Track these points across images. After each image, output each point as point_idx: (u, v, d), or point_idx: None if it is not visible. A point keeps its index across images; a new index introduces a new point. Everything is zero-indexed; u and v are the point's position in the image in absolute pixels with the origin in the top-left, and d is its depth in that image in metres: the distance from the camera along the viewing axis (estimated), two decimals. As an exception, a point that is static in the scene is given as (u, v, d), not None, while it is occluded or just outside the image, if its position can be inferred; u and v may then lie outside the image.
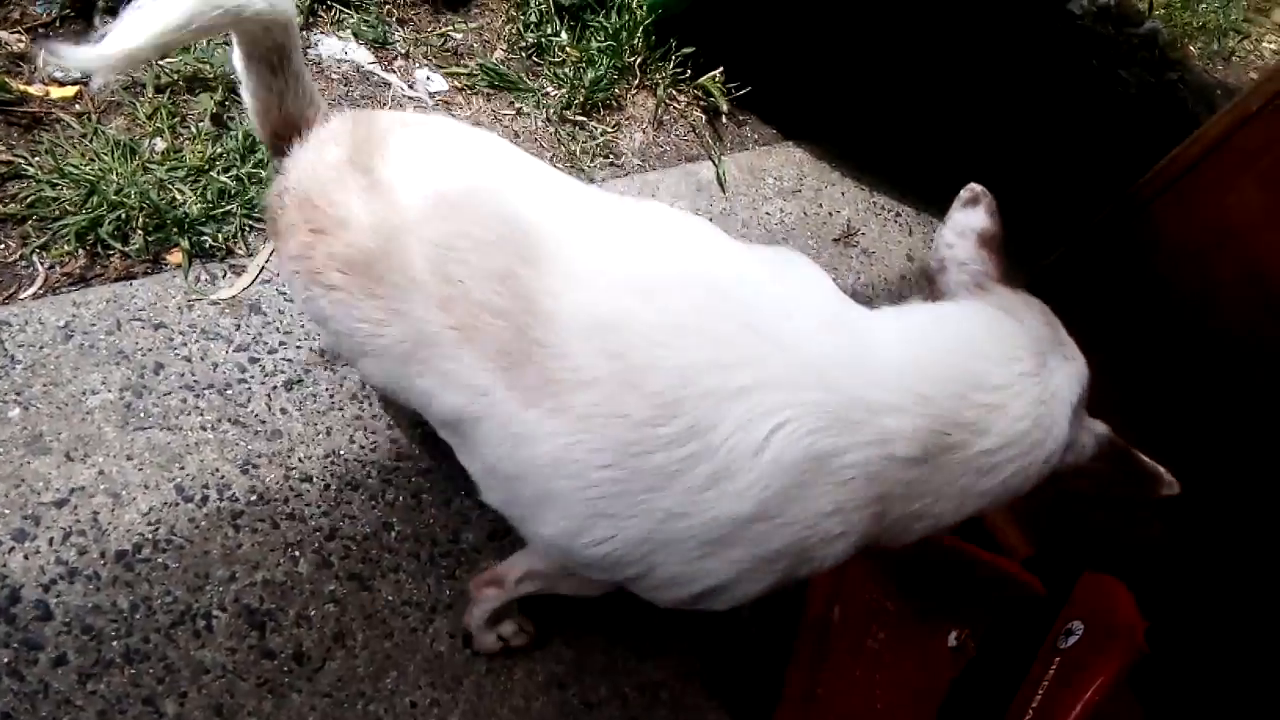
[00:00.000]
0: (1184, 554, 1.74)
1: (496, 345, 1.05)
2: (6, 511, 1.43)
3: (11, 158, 1.78)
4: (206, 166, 1.86)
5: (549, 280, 1.06)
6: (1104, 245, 1.70)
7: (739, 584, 1.10)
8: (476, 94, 2.38)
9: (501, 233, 1.09)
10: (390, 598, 1.54)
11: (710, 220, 2.34)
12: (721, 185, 2.49)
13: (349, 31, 2.31)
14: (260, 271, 1.80)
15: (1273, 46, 3.90)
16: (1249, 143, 1.47)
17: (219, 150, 1.90)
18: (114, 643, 1.38)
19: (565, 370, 1.02)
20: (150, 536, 1.47)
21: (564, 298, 1.05)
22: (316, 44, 2.25)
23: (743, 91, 2.60)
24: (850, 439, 1.02)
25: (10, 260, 1.69)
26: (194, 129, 1.95)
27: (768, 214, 2.50)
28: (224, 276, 1.79)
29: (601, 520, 1.05)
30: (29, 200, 1.74)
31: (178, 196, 1.81)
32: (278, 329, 1.76)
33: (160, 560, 1.46)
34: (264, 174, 1.88)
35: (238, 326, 1.72)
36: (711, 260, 1.14)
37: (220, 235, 1.81)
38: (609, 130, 2.46)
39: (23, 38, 1.98)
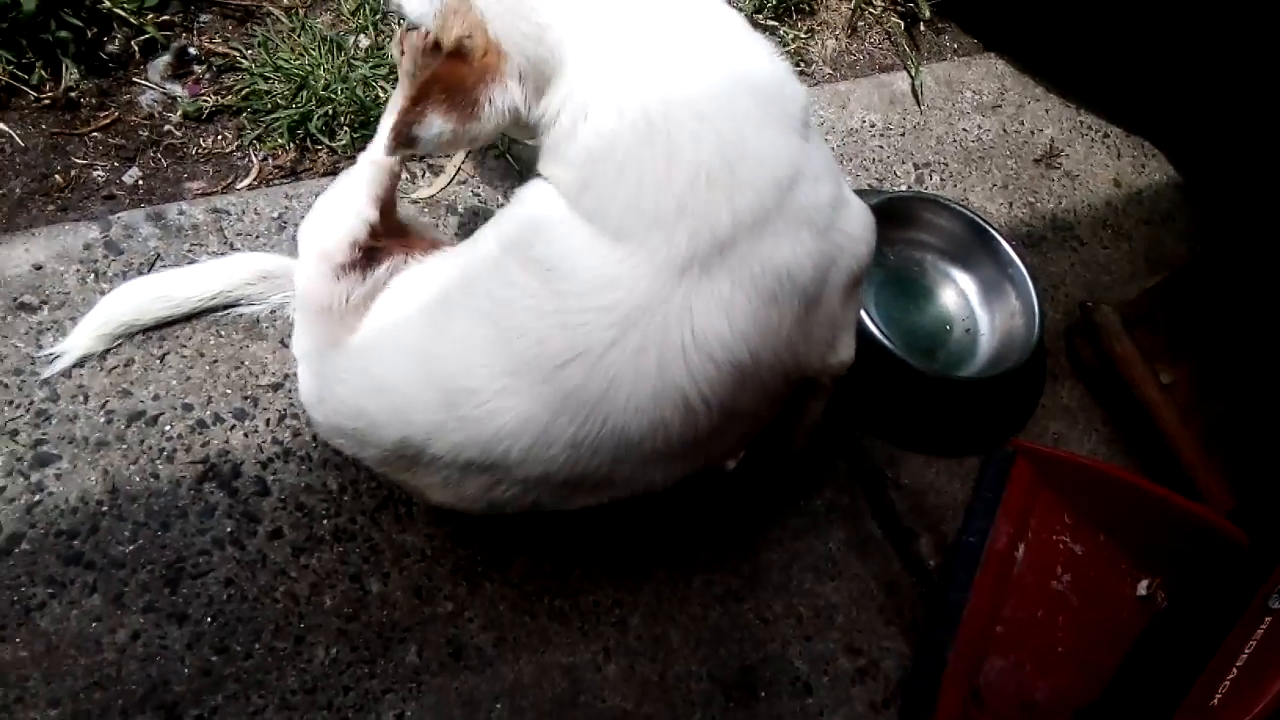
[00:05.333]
0: None
1: None
2: (229, 392, 1.51)
3: (228, 50, 1.85)
4: (408, 64, 1.89)
5: None
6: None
7: None
8: (668, -5, 2.31)
9: None
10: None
11: (903, 135, 2.25)
12: (917, 98, 2.36)
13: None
14: (457, 173, 1.83)
15: None
16: None
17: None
18: (324, 521, 1.46)
19: None
20: (356, 424, 1.54)
21: None
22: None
23: (945, -3, 2.44)
24: None
25: (228, 151, 1.76)
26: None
27: (964, 130, 2.36)
28: (423, 176, 1.82)
29: None
30: (244, 92, 1.80)
31: (380, 94, 1.84)
32: (471, 229, 1.78)
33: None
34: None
35: (435, 225, 1.76)
36: None
37: (421, 134, 1.83)
38: (801, 36, 2.36)
39: (236, -69, 2.03)
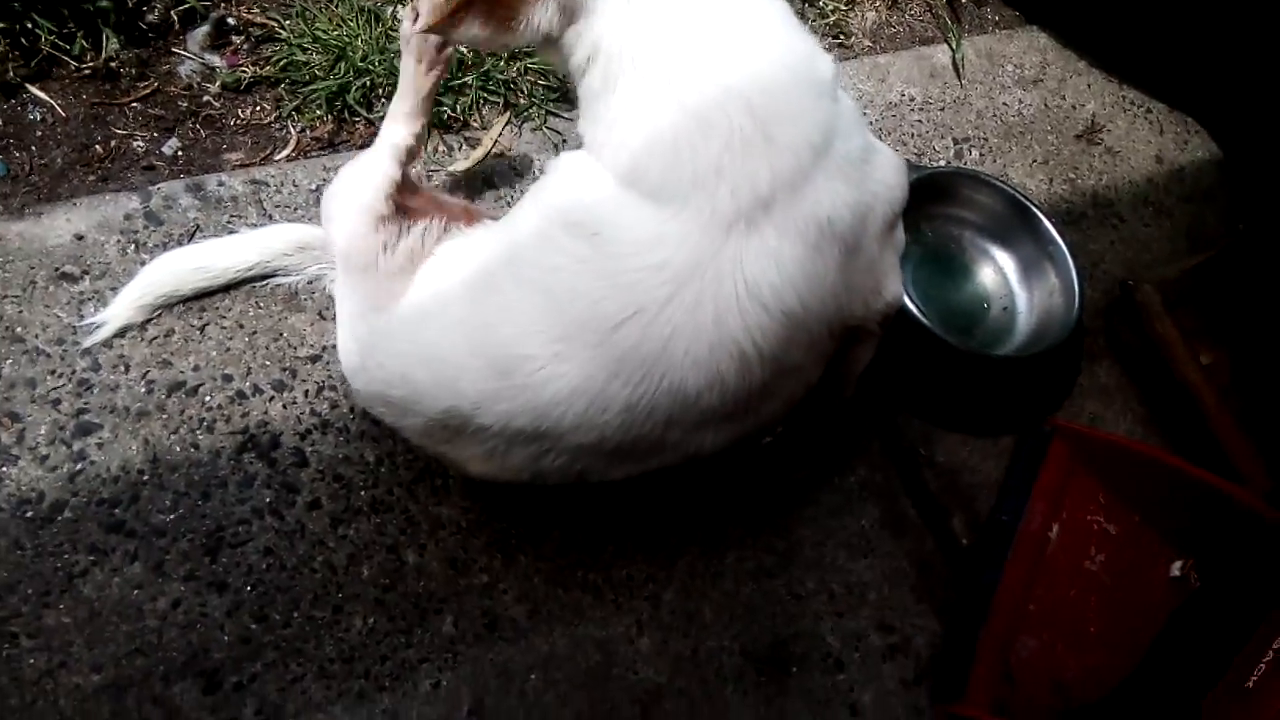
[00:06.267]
0: None
1: None
2: (268, 363, 1.53)
3: (266, 20, 1.85)
4: (444, 35, 1.87)
5: None
6: None
7: None
8: (704, -35, 2.28)
9: None
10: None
11: (943, 109, 2.22)
12: (957, 71, 2.32)
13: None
14: (493, 145, 1.82)
15: None
16: None
17: (456, 19, 1.91)
18: (362, 492, 1.48)
19: None
20: (392, 396, 1.55)
21: None
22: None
23: (988, -33, 2.40)
24: None
25: (267, 122, 1.76)
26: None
27: (1005, 104, 2.32)
28: (460, 149, 1.81)
29: None
30: (282, 63, 1.80)
31: (417, 65, 1.83)
32: (508, 203, 1.78)
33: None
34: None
35: (471, 199, 1.75)
36: None
37: (457, 107, 1.83)
38: (840, 8, 2.32)
39: (273, -101, 2.02)
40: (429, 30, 1.15)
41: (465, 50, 1.86)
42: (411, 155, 1.46)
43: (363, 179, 1.38)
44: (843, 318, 1.22)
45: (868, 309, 1.28)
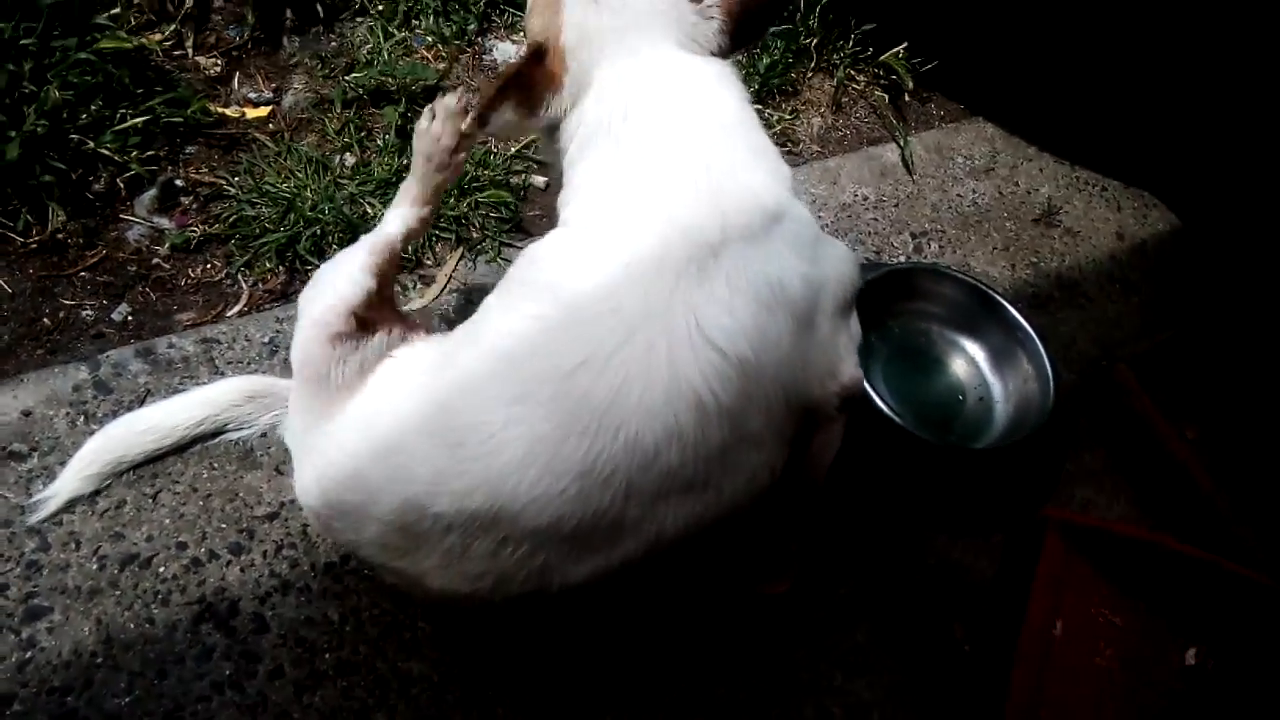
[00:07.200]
0: None
1: None
2: (224, 526, 1.47)
3: (214, 179, 1.86)
4: (394, 179, 1.88)
5: None
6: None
7: None
8: (649, 88, 2.33)
9: None
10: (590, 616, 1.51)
11: (897, 206, 2.23)
12: (908, 167, 2.35)
13: (522, 35, 2.30)
14: (448, 281, 1.81)
15: None
16: None
17: (404, 162, 1.92)
18: (326, 655, 1.41)
19: None
20: (355, 549, 1.49)
21: None
22: (491, 49, 2.26)
23: (928, 67, 2.45)
24: None
25: (218, 279, 1.76)
26: (380, 141, 1.98)
27: (959, 195, 2.34)
28: (414, 287, 1.80)
29: None
30: (231, 220, 1.80)
31: (369, 210, 1.84)
32: (466, 337, 1.76)
33: (366, 572, 1.47)
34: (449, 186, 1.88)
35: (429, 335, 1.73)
36: None
37: (410, 247, 1.82)
38: (786, 117, 2.36)
39: (218, 61, 2.06)
40: (476, 123, 1.28)
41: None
42: (412, 237, 1.52)
43: (327, 293, 1.37)
44: (800, 392, 1.21)
45: (824, 389, 1.26)
